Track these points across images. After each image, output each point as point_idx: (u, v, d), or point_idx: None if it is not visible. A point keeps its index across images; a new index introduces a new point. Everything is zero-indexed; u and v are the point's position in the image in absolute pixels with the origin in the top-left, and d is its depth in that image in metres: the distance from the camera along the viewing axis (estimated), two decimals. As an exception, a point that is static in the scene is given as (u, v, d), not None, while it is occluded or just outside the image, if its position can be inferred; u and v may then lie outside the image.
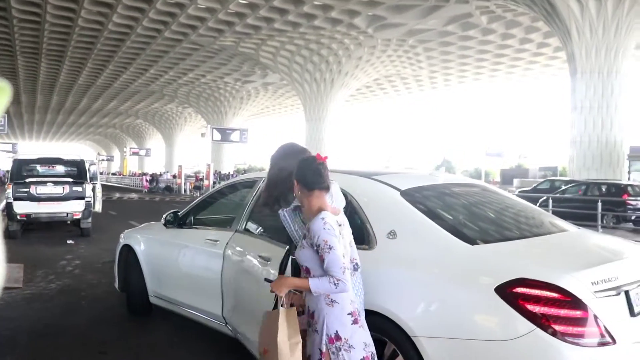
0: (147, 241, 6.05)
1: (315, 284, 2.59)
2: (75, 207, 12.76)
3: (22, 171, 13.17)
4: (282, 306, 2.69)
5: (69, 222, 13.42)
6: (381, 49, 32.45)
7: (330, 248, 2.57)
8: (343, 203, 3.06)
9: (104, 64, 39.11)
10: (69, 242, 12.09)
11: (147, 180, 46.74)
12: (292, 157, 2.95)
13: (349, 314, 2.65)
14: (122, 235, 6.57)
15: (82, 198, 12.86)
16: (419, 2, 25.19)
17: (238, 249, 4.46)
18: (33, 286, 7.48)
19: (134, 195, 36.00)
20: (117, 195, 35.66)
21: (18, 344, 5.09)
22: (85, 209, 12.87)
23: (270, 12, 27.20)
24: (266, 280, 3.26)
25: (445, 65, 37.31)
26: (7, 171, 26.02)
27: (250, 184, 5.01)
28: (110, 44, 33.62)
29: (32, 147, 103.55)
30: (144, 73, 42.20)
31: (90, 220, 13.15)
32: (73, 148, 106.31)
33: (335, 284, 2.55)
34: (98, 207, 14.25)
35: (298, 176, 2.76)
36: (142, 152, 71.87)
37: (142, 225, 7.20)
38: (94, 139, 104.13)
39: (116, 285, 6.55)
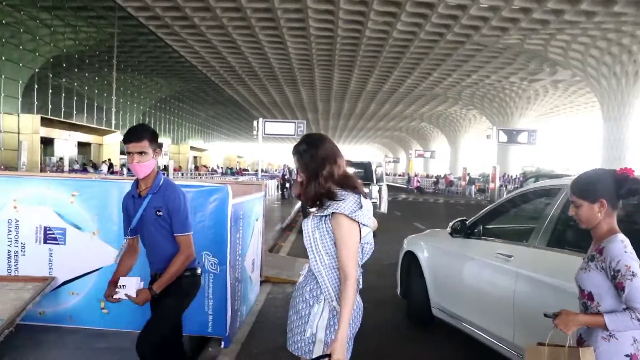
0: (431, 249, 5.74)
1: (614, 322, 2.17)
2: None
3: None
4: (571, 345, 2.31)
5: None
6: None
7: (633, 275, 2.16)
8: None
9: (389, 70, 40.97)
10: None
11: (417, 181, 49.89)
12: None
13: (627, 355, 2.22)
14: (405, 241, 6.40)
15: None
16: None
17: (537, 268, 3.79)
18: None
19: (417, 197, 36.79)
20: (403, 196, 36.90)
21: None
22: (371, 209, 13.27)
23: (560, 4, 24.79)
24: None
25: None
26: (290, 170, 29.38)
27: (550, 191, 4.27)
28: (395, 51, 34.95)
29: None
30: (427, 77, 42.90)
31: (374, 220, 13.48)
32: (363, 151, 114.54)
33: (639, 319, 2.13)
34: (384, 208, 14.65)
35: (607, 194, 2.35)
36: (427, 154, 73.29)
37: (427, 231, 6.95)
38: (381, 142, 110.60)
39: (398, 290, 6.40)
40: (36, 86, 31.25)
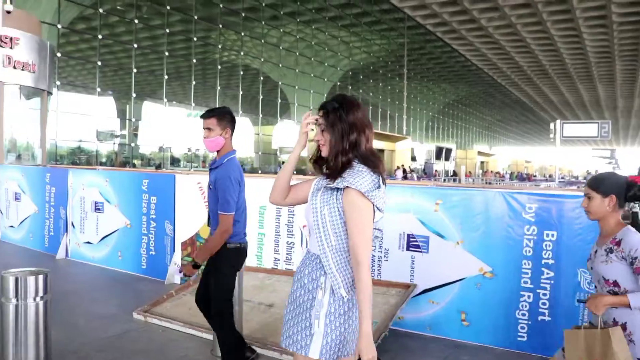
0: None
1: (636, 299, 2.50)
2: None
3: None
4: (602, 325, 2.57)
5: None
6: None
7: None
8: None
9: None
10: None
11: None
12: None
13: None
14: None
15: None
16: None
17: None
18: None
19: None
20: None
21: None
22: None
23: None
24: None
25: None
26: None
27: None
28: None
29: (628, 153, 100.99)
30: None
31: None
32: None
33: None
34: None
35: (619, 192, 2.64)
36: None
37: None
38: None
39: None
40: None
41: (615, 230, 2.62)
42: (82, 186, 7.67)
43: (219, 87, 25.44)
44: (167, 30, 22.63)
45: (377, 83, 39.07)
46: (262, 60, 28.16)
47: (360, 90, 37.10)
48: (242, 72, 26.87)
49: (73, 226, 7.82)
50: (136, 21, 21.24)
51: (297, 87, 30.58)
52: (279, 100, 29.71)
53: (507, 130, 77.26)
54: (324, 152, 2.15)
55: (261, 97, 28.11)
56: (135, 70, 21.06)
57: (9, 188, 9.10)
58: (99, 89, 19.62)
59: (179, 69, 24.02)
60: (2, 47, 11.02)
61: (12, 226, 9.08)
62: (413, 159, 39.46)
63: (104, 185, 7.33)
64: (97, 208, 7.45)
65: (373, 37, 36.81)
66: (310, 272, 2.16)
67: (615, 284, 2.59)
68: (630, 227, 2.62)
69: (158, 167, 22.07)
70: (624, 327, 2.56)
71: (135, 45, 21.06)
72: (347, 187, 2.03)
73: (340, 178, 2.05)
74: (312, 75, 31.72)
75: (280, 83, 29.66)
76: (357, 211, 2.03)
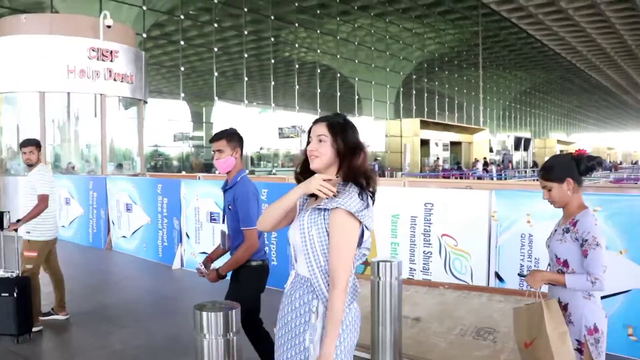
0: None
1: (572, 281, 2.56)
2: None
3: None
4: (538, 298, 2.63)
5: None
6: None
7: (597, 245, 2.53)
8: None
9: None
10: None
11: None
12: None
13: (603, 307, 2.67)
14: None
15: None
16: None
17: None
18: None
19: None
20: None
21: None
22: None
23: None
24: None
25: None
26: None
27: None
28: None
29: None
30: None
31: None
32: None
33: (592, 282, 2.51)
34: None
35: (572, 173, 2.66)
36: None
37: None
38: None
39: None
40: (413, 90, 34.12)
41: (576, 212, 2.67)
42: (196, 197, 7.69)
43: (297, 86, 25.43)
44: (246, 32, 22.85)
45: (451, 74, 38.10)
46: (338, 56, 27.97)
47: (435, 82, 36.32)
48: (318, 70, 26.79)
49: (188, 236, 7.85)
50: (215, 25, 21.53)
51: (373, 83, 30.23)
52: (356, 97, 29.46)
53: (586, 117, 73.79)
54: (316, 164, 2.04)
55: (338, 94, 27.93)
56: (216, 74, 21.36)
57: (120, 199, 9.29)
58: (182, 94, 20.02)
59: (257, 69, 24.22)
60: (103, 60, 11.32)
61: (124, 236, 9.28)
62: (490, 150, 38.25)
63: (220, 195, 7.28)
64: (213, 219, 7.44)
65: (445, 27, 35.89)
66: (301, 295, 2.10)
67: (565, 263, 2.65)
68: (589, 210, 2.68)
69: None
70: (565, 307, 2.65)
71: (216, 49, 21.35)
72: (337, 207, 1.95)
73: (329, 198, 1.97)
74: (387, 69, 31.28)
75: (357, 79, 29.39)
76: (344, 232, 1.97)
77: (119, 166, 12.50)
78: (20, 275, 4.88)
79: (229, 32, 23.00)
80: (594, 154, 2.98)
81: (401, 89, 33.02)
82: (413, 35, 33.33)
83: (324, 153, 2.03)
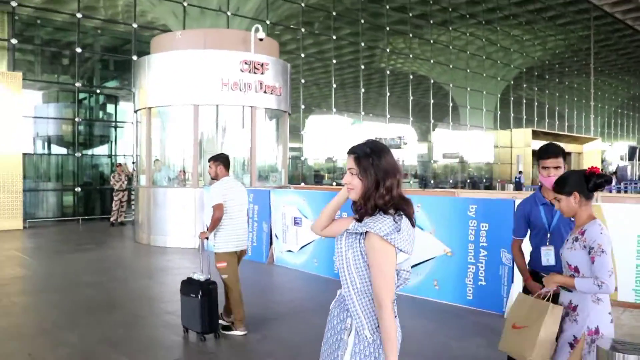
0: None
1: (580, 284, 2.73)
2: None
3: None
4: (544, 298, 2.87)
5: None
6: None
7: (602, 251, 2.71)
8: None
9: None
10: None
11: None
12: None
13: (609, 312, 2.82)
14: None
15: None
16: None
17: None
18: None
19: None
20: None
21: None
22: None
23: None
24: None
25: None
26: None
27: None
28: None
29: None
30: None
31: None
32: None
33: (599, 285, 2.67)
34: None
35: (580, 188, 2.84)
36: None
37: None
38: None
39: None
40: (524, 99, 32.81)
41: (585, 222, 2.85)
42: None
43: (388, 94, 24.88)
44: (334, 37, 22.64)
45: (559, 81, 36.34)
46: (432, 62, 27.22)
47: (546, 91, 34.77)
48: (411, 77, 26.16)
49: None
50: (334, 36, 21.45)
51: (468, 89, 29.25)
52: (450, 104, 28.60)
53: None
54: (353, 196, 2.18)
55: (432, 101, 27.19)
56: (335, 86, 21.29)
57: (287, 213, 9.14)
58: (303, 106, 20.10)
59: (349, 78, 23.97)
60: (255, 73, 11.33)
61: (290, 250, 9.11)
62: (602, 161, 36.07)
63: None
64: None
65: (551, 32, 34.28)
66: (338, 313, 2.24)
67: (576, 269, 2.82)
68: (598, 220, 2.85)
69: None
70: (574, 308, 2.82)
71: (334, 61, 21.29)
72: (367, 231, 2.06)
73: (361, 222, 2.10)
74: (483, 74, 30.20)
75: (451, 86, 28.52)
76: (377, 254, 2.06)
77: (265, 178, 12.45)
78: (208, 279, 5.16)
79: (318, 36, 22.90)
80: None
81: (510, 97, 31.82)
82: (514, 43, 32.09)
83: (356, 185, 2.15)
